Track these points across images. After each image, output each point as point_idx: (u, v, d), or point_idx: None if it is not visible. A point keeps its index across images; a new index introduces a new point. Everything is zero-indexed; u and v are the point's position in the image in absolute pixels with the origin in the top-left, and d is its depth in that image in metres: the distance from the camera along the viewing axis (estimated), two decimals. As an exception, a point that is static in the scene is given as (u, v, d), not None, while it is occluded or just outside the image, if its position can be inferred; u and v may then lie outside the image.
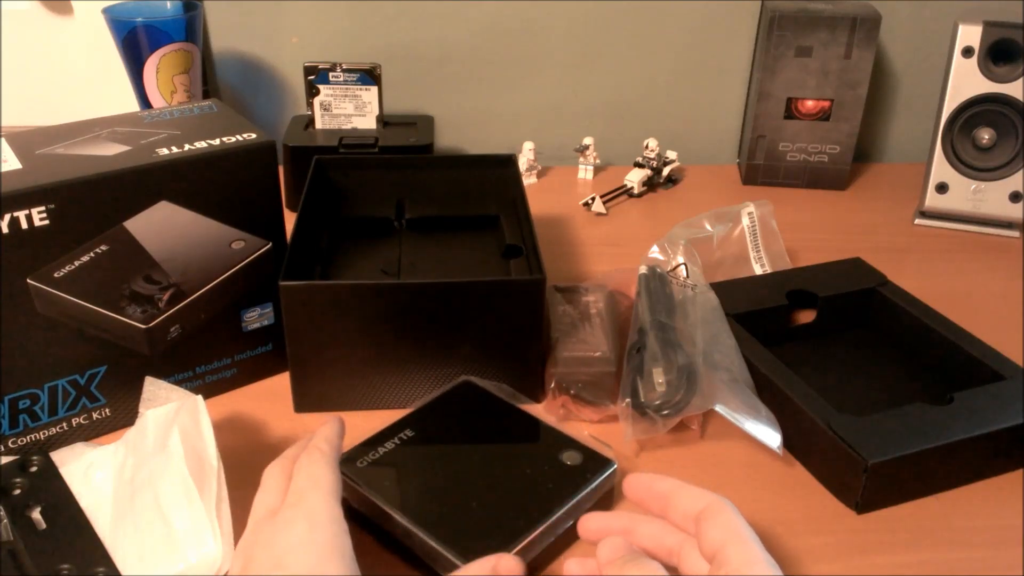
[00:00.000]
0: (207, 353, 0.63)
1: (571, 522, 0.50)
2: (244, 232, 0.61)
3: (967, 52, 0.86)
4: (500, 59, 1.04)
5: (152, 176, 0.55)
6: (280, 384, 0.66)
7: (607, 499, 0.54)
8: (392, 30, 1.02)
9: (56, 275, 0.54)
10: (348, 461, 0.53)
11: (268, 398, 0.65)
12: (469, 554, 0.46)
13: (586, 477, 0.52)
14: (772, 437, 0.57)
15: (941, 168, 0.90)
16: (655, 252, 0.74)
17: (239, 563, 0.43)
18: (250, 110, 1.07)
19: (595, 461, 0.53)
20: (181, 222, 0.58)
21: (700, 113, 1.08)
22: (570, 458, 0.53)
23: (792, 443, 0.59)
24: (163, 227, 0.57)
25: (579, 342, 0.65)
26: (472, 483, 0.52)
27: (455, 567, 0.46)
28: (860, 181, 1.03)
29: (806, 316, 0.72)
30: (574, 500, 0.50)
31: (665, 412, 0.58)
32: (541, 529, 0.48)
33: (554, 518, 0.49)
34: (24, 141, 0.57)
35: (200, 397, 0.53)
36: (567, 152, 1.04)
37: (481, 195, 0.78)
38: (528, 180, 1.01)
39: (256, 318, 0.64)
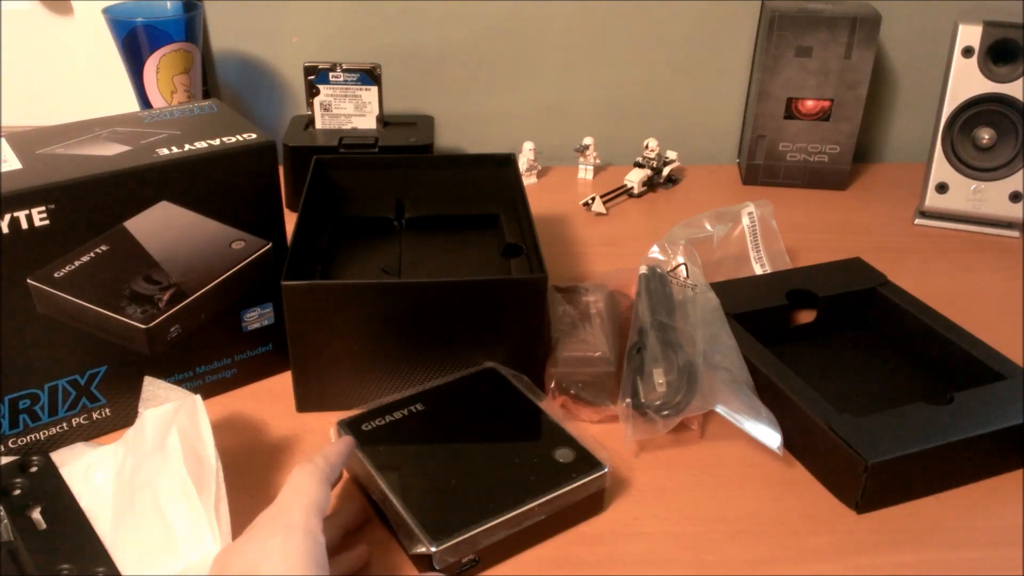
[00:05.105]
0: (207, 353, 0.63)
1: (543, 516, 0.51)
2: (244, 232, 0.61)
3: (967, 52, 0.86)
4: (500, 59, 1.04)
5: (152, 176, 0.55)
6: (281, 384, 0.66)
7: (596, 502, 0.54)
8: (392, 30, 1.02)
9: (56, 275, 0.54)
10: (354, 423, 0.56)
11: (268, 398, 0.65)
12: (431, 527, 0.48)
13: (571, 476, 0.52)
14: (772, 437, 0.57)
15: (941, 168, 0.90)
16: (655, 252, 0.74)
17: (217, 566, 0.43)
18: (250, 110, 1.07)
19: (586, 462, 0.53)
20: (181, 222, 0.58)
21: (700, 113, 1.08)
22: (563, 456, 0.53)
23: (792, 443, 0.59)
24: (163, 227, 0.57)
25: (579, 342, 0.65)
26: (460, 463, 0.53)
27: (415, 535, 0.48)
28: (860, 181, 1.03)
29: (806, 316, 0.72)
30: (549, 496, 0.51)
31: (665, 413, 0.58)
32: (507, 517, 0.49)
33: (523, 509, 0.50)
34: (24, 141, 0.57)
35: (199, 397, 0.53)
36: (567, 152, 1.04)
37: (481, 195, 0.78)
38: (528, 180, 1.01)
39: (256, 318, 0.64)
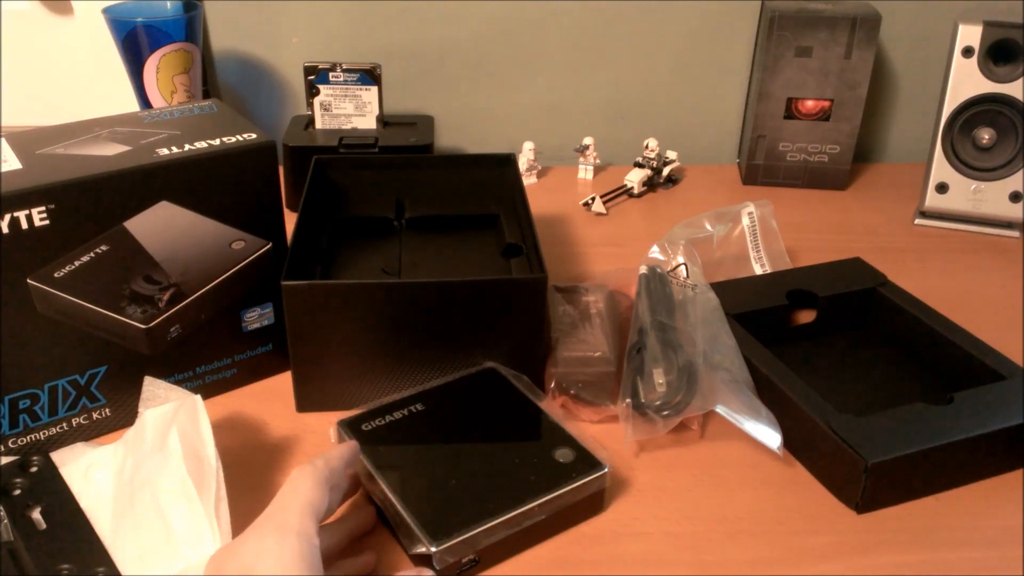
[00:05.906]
0: (207, 353, 0.63)
1: (543, 516, 0.51)
2: (244, 232, 0.61)
3: (967, 52, 0.86)
4: (500, 59, 1.04)
5: (152, 176, 0.55)
6: (280, 384, 0.66)
7: (596, 502, 0.54)
8: (392, 30, 1.02)
9: (56, 275, 0.54)
10: (354, 424, 0.56)
11: (268, 398, 0.65)
12: (430, 526, 0.48)
13: (570, 476, 0.52)
14: (772, 437, 0.57)
15: (941, 168, 0.90)
16: (655, 252, 0.74)
17: (212, 566, 0.43)
18: (250, 110, 1.07)
19: (585, 462, 0.53)
20: (181, 222, 0.58)
21: (700, 113, 1.08)
22: (562, 456, 0.53)
23: (792, 443, 0.59)
24: (163, 227, 0.57)
25: (579, 342, 0.65)
26: (460, 463, 0.53)
27: (415, 535, 0.48)
28: (860, 181, 1.03)
29: (806, 316, 0.72)
30: (549, 496, 0.51)
31: (665, 413, 0.58)
32: (506, 517, 0.49)
33: (522, 509, 0.50)
34: (24, 141, 0.57)
35: (199, 397, 0.53)
36: (567, 152, 1.04)
37: (481, 195, 0.78)
38: (528, 180, 1.01)
39: (256, 318, 0.64)
